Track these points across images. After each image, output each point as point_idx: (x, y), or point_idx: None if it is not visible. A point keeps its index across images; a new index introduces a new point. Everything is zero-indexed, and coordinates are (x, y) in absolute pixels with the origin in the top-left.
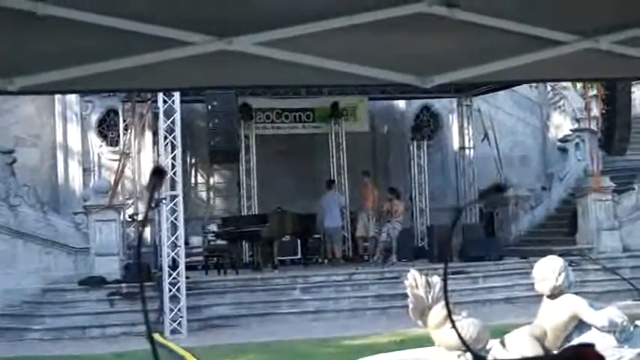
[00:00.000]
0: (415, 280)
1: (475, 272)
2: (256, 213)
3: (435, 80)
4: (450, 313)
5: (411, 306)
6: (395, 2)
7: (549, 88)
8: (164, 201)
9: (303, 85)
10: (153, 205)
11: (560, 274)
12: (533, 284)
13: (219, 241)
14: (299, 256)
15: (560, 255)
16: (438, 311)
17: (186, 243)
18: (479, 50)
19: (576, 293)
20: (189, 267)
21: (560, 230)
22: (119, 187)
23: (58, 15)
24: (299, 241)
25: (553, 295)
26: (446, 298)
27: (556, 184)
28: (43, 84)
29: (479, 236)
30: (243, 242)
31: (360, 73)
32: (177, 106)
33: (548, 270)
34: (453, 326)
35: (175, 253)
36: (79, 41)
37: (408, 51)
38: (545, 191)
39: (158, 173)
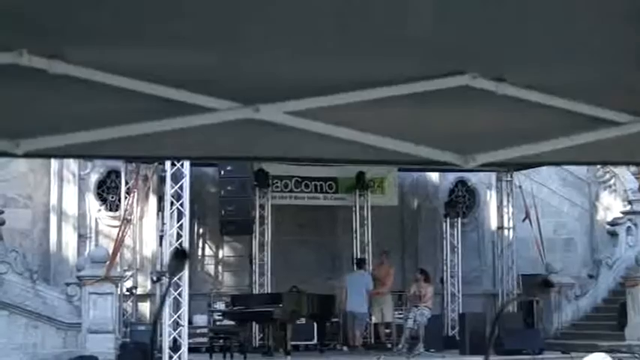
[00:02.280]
0: None
1: None
2: (269, 292)
3: (477, 160)
4: None
5: None
6: (436, 74)
7: (599, 165)
8: (167, 275)
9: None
10: (155, 279)
11: None
12: None
13: (227, 322)
14: (315, 341)
15: (606, 351)
16: None
17: (190, 322)
18: (525, 128)
19: None
20: (192, 349)
21: (608, 324)
22: (118, 256)
23: (71, 74)
24: (315, 324)
25: None
26: None
27: (604, 272)
28: (52, 148)
29: (517, 327)
30: (254, 324)
31: (396, 149)
32: (186, 169)
33: None
34: None
35: (177, 333)
36: (94, 104)
37: (448, 127)
38: (591, 279)
39: (180, 256)
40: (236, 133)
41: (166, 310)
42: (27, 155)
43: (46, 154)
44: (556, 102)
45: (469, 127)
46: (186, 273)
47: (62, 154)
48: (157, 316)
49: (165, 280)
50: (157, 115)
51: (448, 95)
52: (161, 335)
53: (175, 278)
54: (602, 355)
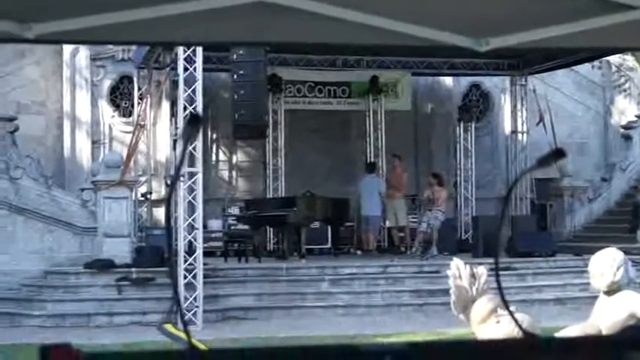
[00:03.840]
0: (459, 270)
1: (524, 269)
2: (283, 196)
3: (491, 43)
4: (505, 303)
5: (453, 298)
6: None
7: (614, 68)
8: (182, 178)
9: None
10: (169, 183)
11: (618, 269)
12: (587, 284)
13: (241, 226)
14: (329, 245)
15: None
16: (483, 304)
17: (205, 227)
18: (537, 12)
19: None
20: (207, 253)
21: (620, 226)
22: (132, 162)
23: None
24: (329, 228)
25: (610, 292)
26: (499, 286)
27: (617, 176)
28: (62, 32)
29: (529, 230)
30: (268, 228)
31: (410, 32)
32: (199, 73)
33: (605, 264)
34: (510, 314)
35: (192, 237)
36: None
37: (462, 10)
38: (605, 183)
39: (194, 120)
40: (247, 17)
41: (181, 214)
42: (39, 40)
43: (59, 39)
44: None
45: (483, 11)
46: (200, 177)
47: (75, 38)
48: (173, 183)
49: (180, 182)
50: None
51: None
52: (176, 239)
53: (190, 147)
54: (614, 249)
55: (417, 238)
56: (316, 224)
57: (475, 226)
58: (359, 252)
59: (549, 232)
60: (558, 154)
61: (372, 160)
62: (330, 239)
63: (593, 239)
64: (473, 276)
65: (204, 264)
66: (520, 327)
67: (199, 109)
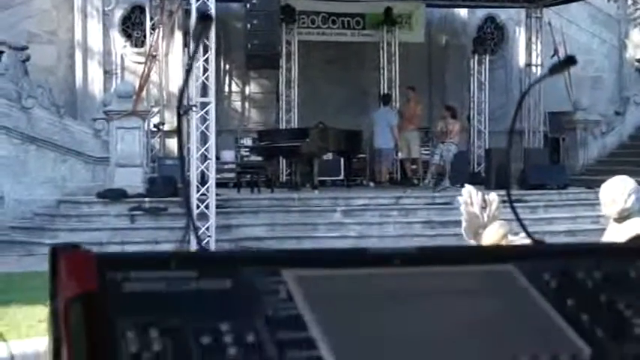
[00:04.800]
0: (470, 196)
1: (535, 201)
2: (296, 127)
3: None
4: (525, 228)
5: (464, 224)
6: None
7: (630, 1)
8: (194, 108)
9: None
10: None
11: (630, 196)
12: (598, 217)
13: (254, 157)
14: (341, 177)
15: None
16: (495, 230)
17: (217, 158)
18: None
19: None
20: (219, 184)
21: (633, 160)
22: (144, 92)
23: None
24: (342, 160)
25: (621, 219)
26: (511, 204)
27: (631, 110)
28: None
29: (542, 162)
30: (281, 159)
31: None
32: (211, 2)
33: (617, 190)
34: (524, 229)
35: (205, 167)
36: None
37: None
38: (618, 117)
39: (205, 18)
40: None
41: (193, 144)
42: None
43: None
44: None
45: None
46: (212, 107)
47: None
48: (181, 93)
49: (192, 112)
50: None
51: None
52: (189, 170)
53: (200, 46)
54: (626, 177)
55: (430, 170)
56: (329, 156)
57: (488, 159)
58: (372, 184)
59: (562, 165)
60: (569, 61)
61: (385, 91)
62: (342, 171)
63: (605, 173)
64: (484, 202)
65: (217, 195)
66: (532, 237)
67: (212, 38)
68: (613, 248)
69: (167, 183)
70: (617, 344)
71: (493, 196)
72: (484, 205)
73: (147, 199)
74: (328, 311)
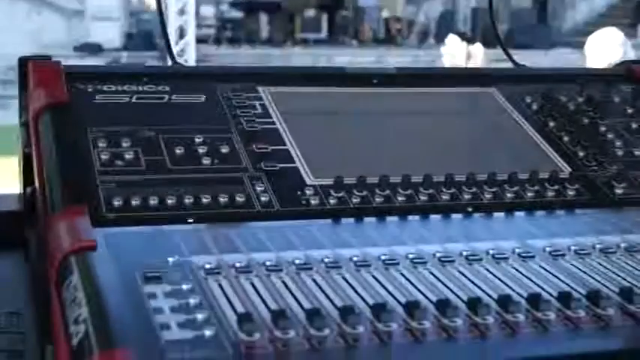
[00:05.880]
0: (454, 47)
1: (522, 61)
2: None
3: None
4: (510, 57)
5: None
6: None
7: None
8: None
9: None
10: None
11: (617, 49)
12: None
13: (235, 12)
14: (324, 34)
15: None
16: None
17: (197, 13)
18: None
19: None
20: (199, 40)
21: (623, 22)
22: None
23: None
24: (325, 16)
25: None
26: (498, 39)
27: None
28: None
29: (530, 23)
30: (262, 14)
31: None
32: None
33: (604, 43)
34: (512, 61)
35: (184, 22)
36: None
37: None
38: None
39: None
40: None
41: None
42: None
43: None
44: None
45: None
46: None
47: None
48: None
49: None
50: None
51: None
52: (167, 25)
53: None
54: (614, 29)
55: (415, 29)
56: (311, 13)
57: (474, 18)
58: (354, 42)
59: (549, 26)
60: None
61: None
62: (325, 28)
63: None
64: (469, 54)
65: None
66: (515, 62)
67: None
68: (598, 74)
69: (145, 37)
70: (597, 164)
71: (478, 47)
72: (469, 57)
73: (125, 53)
74: (303, 126)
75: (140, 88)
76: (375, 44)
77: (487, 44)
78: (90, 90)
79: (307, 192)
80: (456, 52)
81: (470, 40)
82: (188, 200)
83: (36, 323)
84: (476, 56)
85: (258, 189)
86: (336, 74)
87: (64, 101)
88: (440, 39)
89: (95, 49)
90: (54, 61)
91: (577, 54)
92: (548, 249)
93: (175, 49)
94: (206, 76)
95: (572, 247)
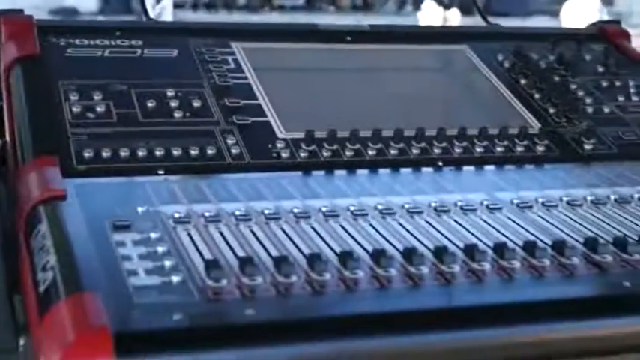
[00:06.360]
0: (431, 11)
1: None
2: None
3: None
4: (481, 13)
5: None
6: None
7: None
8: None
9: None
10: None
11: (594, 14)
12: None
13: None
14: (301, 0)
15: None
16: None
17: None
18: None
19: None
20: (176, 5)
21: None
22: None
23: None
24: None
25: None
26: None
27: None
28: None
29: None
30: None
31: None
32: None
33: (580, 8)
34: (483, 19)
35: None
36: None
37: None
38: None
39: None
40: None
41: None
42: None
43: None
44: None
45: None
46: None
47: None
48: None
49: None
50: None
51: None
52: None
53: None
54: None
55: None
56: None
57: None
58: (332, 8)
59: None
60: None
61: None
62: None
63: None
64: (445, 20)
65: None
66: (487, 20)
67: None
68: (570, 33)
69: (122, 1)
70: (567, 121)
71: (454, 13)
72: (445, 22)
73: (101, 16)
74: (275, 81)
75: (113, 43)
76: (353, 11)
77: (464, 12)
78: (62, 44)
79: (278, 145)
80: (433, 18)
81: (447, 7)
82: (159, 152)
83: (5, 274)
84: (452, 22)
85: (230, 142)
86: (310, 31)
87: (36, 54)
88: (417, 6)
89: (71, 12)
90: (26, 15)
91: (555, 21)
92: (515, 201)
93: (152, 14)
94: (179, 32)
95: (540, 200)
